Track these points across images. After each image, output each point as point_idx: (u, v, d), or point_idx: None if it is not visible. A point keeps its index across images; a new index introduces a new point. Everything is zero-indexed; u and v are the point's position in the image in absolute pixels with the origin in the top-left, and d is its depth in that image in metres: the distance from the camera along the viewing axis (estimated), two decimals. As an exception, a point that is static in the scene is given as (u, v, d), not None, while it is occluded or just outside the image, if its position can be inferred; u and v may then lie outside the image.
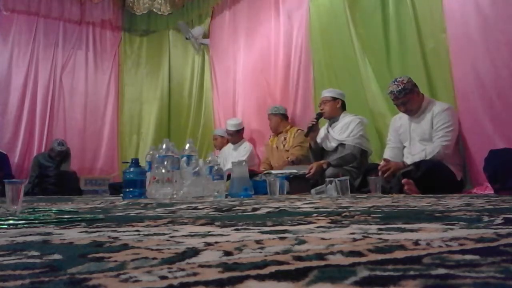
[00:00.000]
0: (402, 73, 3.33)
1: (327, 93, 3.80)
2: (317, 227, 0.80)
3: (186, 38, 6.13)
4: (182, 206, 1.71)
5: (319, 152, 3.81)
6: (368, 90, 3.88)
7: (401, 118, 3.27)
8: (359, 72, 3.96)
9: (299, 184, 3.43)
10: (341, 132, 3.67)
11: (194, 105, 6.25)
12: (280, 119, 4.42)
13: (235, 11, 5.74)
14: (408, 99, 3.07)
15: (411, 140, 3.16)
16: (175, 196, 2.73)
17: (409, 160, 3.01)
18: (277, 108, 4.47)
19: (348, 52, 4.10)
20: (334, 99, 3.75)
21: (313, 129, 3.75)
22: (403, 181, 2.74)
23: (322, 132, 3.80)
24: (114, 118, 6.48)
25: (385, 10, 3.83)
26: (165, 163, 2.79)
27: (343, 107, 3.78)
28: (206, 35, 6.16)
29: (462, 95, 3.16)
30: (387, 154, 3.30)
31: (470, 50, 3.09)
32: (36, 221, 1.03)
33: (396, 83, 3.08)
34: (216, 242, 0.61)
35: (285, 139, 4.37)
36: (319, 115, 3.75)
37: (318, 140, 3.80)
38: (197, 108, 6.22)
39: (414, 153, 3.07)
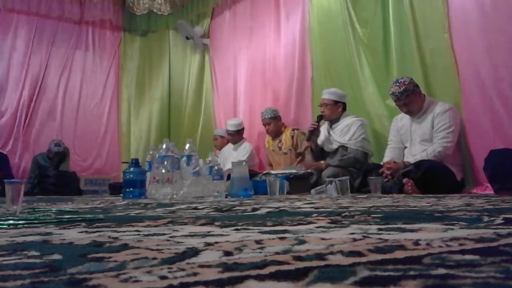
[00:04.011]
0: (400, 74, 3.33)
1: (328, 95, 3.74)
2: (317, 227, 0.80)
3: (187, 38, 6.12)
4: (182, 206, 1.71)
5: (320, 153, 3.81)
6: (365, 91, 3.88)
7: (403, 119, 3.27)
8: (357, 73, 3.96)
9: (299, 184, 3.43)
10: (342, 134, 3.66)
11: (195, 105, 6.25)
12: (278, 121, 4.37)
13: (235, 11, 5.74)
14: (410, 100, 3.07)
15: (412, 140, 3.16)
16: (175, 196, 2.73)
17: (410, 160, 3.01)
18: (274, 111, 4.35)
19: (346, 53, 4.11)
20: (336, 102, 3.72)
21: (314, 133, 3.73)
22: (404, 180, 2.74)
23: (322, 133, 3.79)
24: (114, 118, 6.48)
25: (384, 11, 3.83)
26: (165, 163, 2.79)
27: (344, 108, 3.77)
28: (206, 35, 6.16)
29: (465, 95, 3.16)
30: (388, 154, 3.29)
31: (471, 50, 3.09)
32: (36, 221, 1.03)
33: (397, 84, 3.07)
34: (216, 242, 0.61)
35: (280, 141, 4.35)
36: (320, 118, 3.72)
37: (319, 142, 3.79)
38: (197, 108, 6.22)
39: (415, 154, 3.07)
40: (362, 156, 3.56)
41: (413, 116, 3.16)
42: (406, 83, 3.05)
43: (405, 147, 3.27)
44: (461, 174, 3.01)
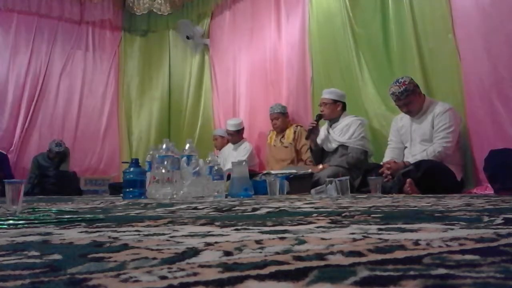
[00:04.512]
0: (400, 75, 3.33)
1: (328, 95, 3.78)
2: (317, 227, 0.80)
3: (187, 37, 6.11)
4: (182, 206, 1.71)
5: (320, 153, 3.83)
6: (365, 91, 3.89)
7: (403, 119, 3.27)
8: (356, 73, 3.97)
9: (299, 184, 3.43)
10: (342, 133, 3.67)
11: (195, 105, 6.25)
12: (286, 118, 4.42)
13: (235, 11, 5.74)
14: (410, 100, 3.07)
15: (412, 140, 3.16)
16: (175, 196, 2.73)
17: (410, 160, 3.01)
18: (284, 107, 4.42)
19: (346, 53, 4.12)
20: (335, 101, 3.74)
21: (313, 132, 3.75)
22: (407, 181, 2.74)
23: (322, 133, 3.81)
24: (114, 118, 6.48)
25: (383, 11, 3.84)
26: (165, 163, 2.79)
27: (344, 108, 3.79)
28: (206, 35, 6.16)
29: (465, 95, 3.16)
30: (388, 154, 3.29)
31: (472, 50, 3.09)
32: (36, 221, 1.03)
33: (397, 84, 3.08)
34: (216, 242, 0.61)
35: (283, 136, 4.38)
36: (319, 117, 3.75)
37: (319, 141, 3.81)
38: (197, 108, 6.22)
39: (415, 154, 3.07)
40: (362, 154, 3.57)
41: (413, 116, 3.16)
42: (406, 83, 3.05)
43: (405, 147, 3.27)
44: (461, 174, 3.01)
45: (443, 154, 2.94)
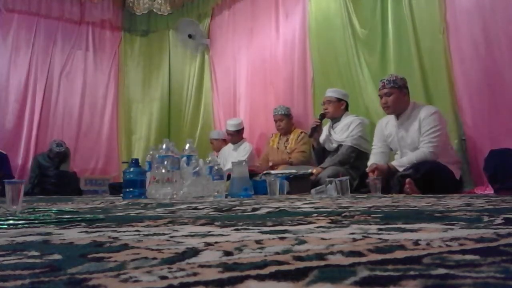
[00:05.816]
0: (398, 74, 3.34)
1: (332, 93, 3.78)
2: (317, 227, 0.80)
3: (189, 36, 6.08)
4: (182, 206, 1.71)
5: (321, 152, 3.82)
6: (365, 91, 3.90)
7: (388, 125, 3.21)
8: (356, 73, 3.98)
9: (299, 184, 3.43)
10: (342, 132, 3.68)
11: (195, 106, 6.25)
12: (290, 120, 4.40)
13: (235, 11, 5.74)
14: (392, 92, 3.05)
15: (401, 148, 3.12)
16: (175, 196, 2.73)
17: (395, 162, 3.01)
18: (287, 109, 4.39)
19: (346, 53, 4.12)
20: (339, 100, 3.75)
21: (316, 130, 3.75)
22: (407, 180, 2.74)
23: (324, 132, 3.81)
24: (114, 118, 6.47)
25: (383, 11, 3.84)
26: (165, 163, 2.79)
27: (346, 108, 3.79)
28: (206, 35, 6.16)
29: (463, 96, 3.16)
30: (371, 158, 3.26)
31: (471, 50, 3.10)
32: (36, 221, 1.03)
33: (391, 75, 3.16)
34: (216, 242, 0.61)
35: (287, 140, 4.36)
36: (322, 116, 3.76)
37: (320, 140, 3.80)
38: (197, 108, 6.22)
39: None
40: (352, 152, 3.57)
41: (388, 113, 3.13)
42: (399, 77, 3.10)
43: (392, 152, 3.26)
44: (460, 173, 3.00)
45: (433, 157, 2.91)
